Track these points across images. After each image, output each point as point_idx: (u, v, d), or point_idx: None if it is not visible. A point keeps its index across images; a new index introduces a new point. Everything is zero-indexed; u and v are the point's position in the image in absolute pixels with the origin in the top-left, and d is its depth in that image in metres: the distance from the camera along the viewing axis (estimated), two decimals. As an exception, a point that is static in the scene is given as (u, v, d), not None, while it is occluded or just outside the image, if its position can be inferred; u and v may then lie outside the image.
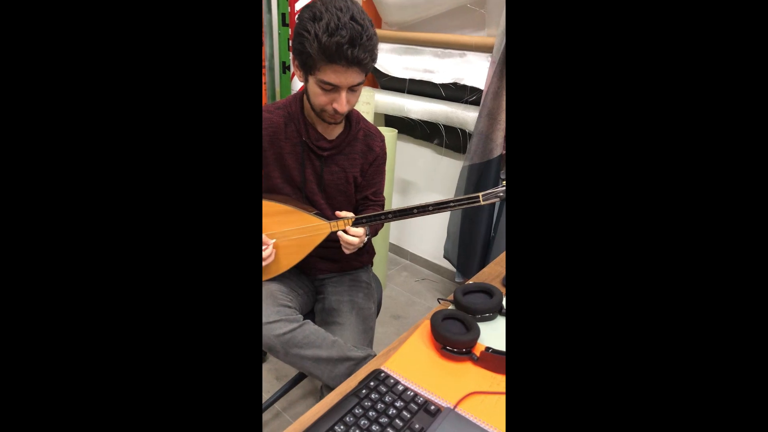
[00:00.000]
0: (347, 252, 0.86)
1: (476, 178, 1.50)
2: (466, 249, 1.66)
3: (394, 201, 2.04)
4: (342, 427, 0.50)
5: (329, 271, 1.03)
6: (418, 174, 1.95)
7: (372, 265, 1.14)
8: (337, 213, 0.85)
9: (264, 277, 0.92)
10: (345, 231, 0.84)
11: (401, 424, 0.51)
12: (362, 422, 0.51)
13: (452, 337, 0.63)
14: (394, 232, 2.14)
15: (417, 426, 0.51)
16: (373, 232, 0.97)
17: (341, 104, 0.77)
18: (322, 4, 0.73)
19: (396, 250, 2.17)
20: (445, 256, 1.78)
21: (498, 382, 0.59)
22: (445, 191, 1.85)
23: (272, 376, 1.40)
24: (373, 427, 0.50)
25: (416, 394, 0.55)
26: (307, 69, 0.76)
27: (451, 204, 0.78)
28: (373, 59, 0.76)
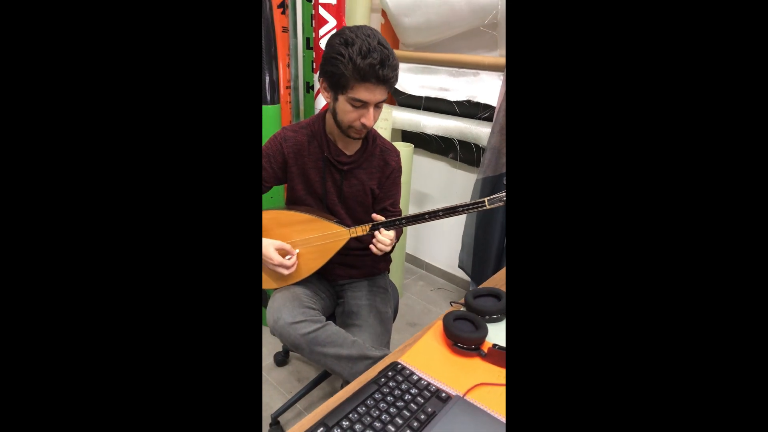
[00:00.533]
0: (379, 253, 0.92)
1: (489, 191, 1.56)
2: (480, 259, 1.71)
3: (410, 212, 2.11)
4: (363, 408, 0.57)
5: (349, 277, 1.10)
6: (433, 186, 2.02)
7: (389, 272, 1.21)
8: (374, 216, 0.92)
9: (289, 282, 1.00)
10: (378, 235, 0.90)
11: (415, 407, 0.58)
12: (381, 405, 0.58)
13: (462, 335, 0.69)
14: (411, 242, 2.21)
15: (429, 410, 0.57)
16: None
17: (369, 119, 0.86)
18: (351, 32, 0.82)
19: (412, 260, 2.24)
20: (459, 266, 1.84)
21: (503, 375, 0.65)
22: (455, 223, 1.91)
23: (294, 378, 1.47)
24: (391, 410, 0.57)
25: (429, 384, 0.62)
26: (339, 89, 0.85)
27: (460, 209, 0.85)
28: (396, 78, 0.86)
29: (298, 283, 1.01)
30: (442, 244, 2.06)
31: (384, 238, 0.90)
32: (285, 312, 0.90)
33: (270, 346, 1.62)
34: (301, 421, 0.56)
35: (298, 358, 1.57)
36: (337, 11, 1.45)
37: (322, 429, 0.53)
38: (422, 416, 0.56)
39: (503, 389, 0.63)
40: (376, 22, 1.91)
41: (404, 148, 1.64)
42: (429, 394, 0.60)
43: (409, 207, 2.03)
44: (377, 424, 0.55)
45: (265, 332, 1.70)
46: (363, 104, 0.85)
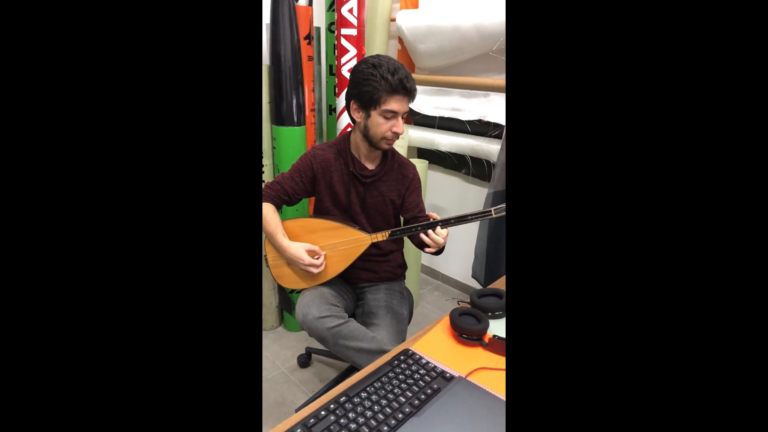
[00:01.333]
0: (434, 248, 1.00)
1: (499, 203, 1.66)
2: (491, 269, 1.80)
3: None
4: (378, 384, 0.67)
5: (369, 280, 1.22)
6: (447, 200, 2.13)
7: (405, 279, 1.32)
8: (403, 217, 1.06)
9: (316, 282, 1.12)
10: (432, 233, 0.98)
11: (423, 384, 0.68)
12: (394, 382, 0.68)
13: (466, 327, 0.79)
14: (427, 255, 2.30)
15: (435, 386, 0.67)
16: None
17: (400, 126, 1.00)
18: (374, 58, 0.98)
19: (428, 271, 2.33)
20: (473, 276, 1.92)
21: (501, 362, 0.75)
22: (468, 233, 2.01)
23: (317, 378, 1.58)
24: (402, 385, 0.67)
25: (436, 366, 0.72)
26: (372, 105, 0.99)
27: (469, 217, 0.95)
28: (416, 91, 1.01)
29: (324, 284, 1.13)
30: (457, 255, 2.16)
31: (436, 237, 0.98)
32: (313, 308, 1.02)
33: (293, 348, 1.73)
34: (328, 393, 0.67)
35: (320, 360, 1.67)
36: (357, 41, 1.61)
37: (344, 398, 0.64)
38: (428, 391, 0.66)
39: (501, 373, 0.72)
40: (393, 48, 2.07)
41: (420, 164, 1.76)
42: (435, 375, 0.70)
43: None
44: (390, 396, 0.65)
45: (289, 336, 1.82)
46: (393, 115, 0.99)
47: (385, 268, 1.21)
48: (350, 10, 1.56)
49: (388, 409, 0.62)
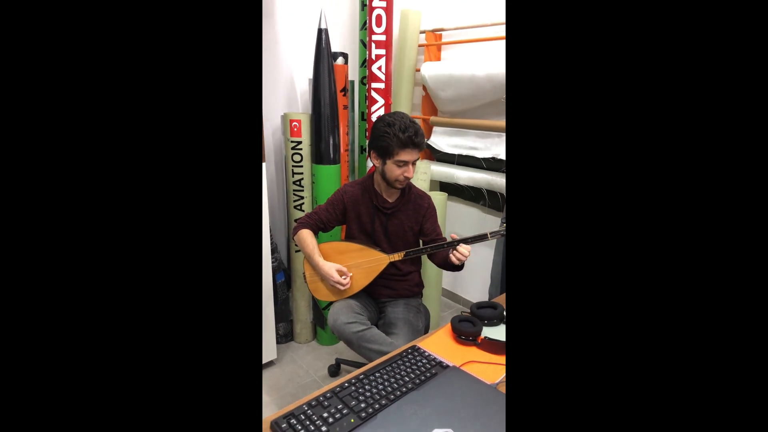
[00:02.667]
0: (457, 262, 1.22)
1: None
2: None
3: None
4: (389, 368, 0.87)
5: (389, 296, 1.42)
6: (466, 229, 2.31)
7: (422, 296, 1.51)
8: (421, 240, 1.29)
9: (344, 295, 1.34)
10: (457, 250, 1.20)
11: (424, 370, 0.87)
12: (401, 368, 0.87)
13: (464, 330, 0.98)
14: (447, 279, 2.48)
15: (433, 371, 0.86)
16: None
17: (410, 172, 1.24)
18: (390, 117, 1.23)
19: (449, 295, 2.49)
20: (489, 300, 2.08)
21: (490, 357, 0.93)
22: (489, 242, 2.18)
23: (344, 386, 1.77)
24: (408, 370, 0.87)
25: (436, 358, 0.91)
26: (387, 155, 1.23)
27: (470, 240, 1.16)
28: (425, 143, 1.24)
29: (351, 297, 1.34)
30: (475, 280, 2.32)
31: (460, 254, 1.20)
32: (342, 315, 1.24)
33: (324, 359, 1.93)
34: (347, 375, 0.87)
35: (348, 370, 1.86)
36: (385, 93, 1.89)
37: (362, 375, 0.84)
38: (428, 374, 0.85)
39: (488, 366, 0.90)
40: (418, 95, 2.34)
41: (440, 196, 1.98)
42: (435, 364, 0.89)
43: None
44: (398, 376, 0.84)
45: (321, 349, 2.03)
46: (405, 163, 1.22)
47: (403, 286, 1.42)
48: (379, 68, 1.85)
49: (395, 385, 0.82)
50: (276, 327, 1.91)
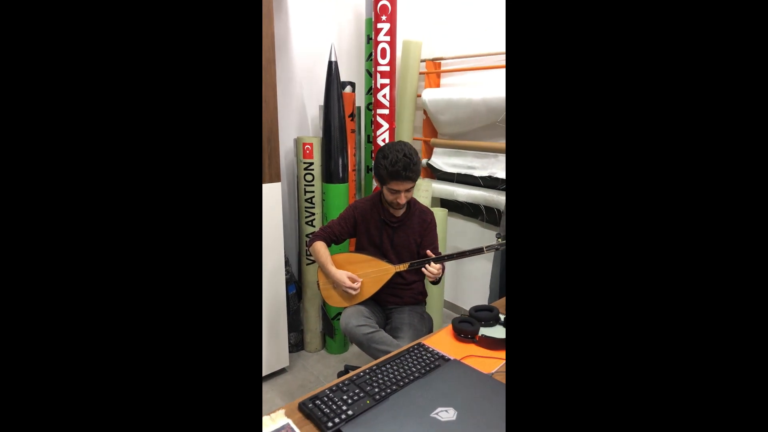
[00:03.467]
0: (432, 277, 1.38)
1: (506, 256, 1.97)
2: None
3: (447, 263, 2.53)
4: (398, 361, 1.00)
5: (395, 304, 1.55)
6: (465, 242, 2.45)
7: (426, 304, 1.64)
8: (428, 252, 1.43)
9: (355, 302, 1.47)
10: (427, 267, 1.37)
11: (428, 362, 0.99)
12: (408, 362, 1.00)
13: (463, 329, 1.11)
14: (450, 291, 2.60)
15: (435, 364, 0.99)
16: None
17: (401, 199, 1.38)
18: (388, 149, 1.37)
19: (451, 306, 2.61)
20: (489, 309, 2.19)
21: (487, 353, 1.05)
22: (488, 256, 2.31)
23: (352, 391, 1.88)
24: (413, 362, 0.99)
25: (438, 353, 1.03)
26: (382, 181, 1.39)
27: (467, 253, 1.30)
28: (418, 175, 1.38)
29: (361, 303, 1.47)
30: (475, 291, 2.44)
31: (432, 269, 1.37)
32: (353, 319, 1.37)
33: (333, 368, 2.04)
34: (363, 367, 0.99)
35: (356, 378, 1.97)
36: (389, 118, 2.06)
37: (375, 366, 0.97)
38: (431, 366, 0.98)
39: (485, 360, 1.03)
40: (419, 118, 2.51)
41: (441, 212, 2.13)
42: (437, 357, 1.02)
43: (447, 260, 2.46)
44: (405, 368, 0.97)
45: (330, 357, 2.14)
46: (396, 191, 1.37)
47: (408, 294, 1.55)
48: (384, 95, 2.02)
49: (404, 374, 0.94)
50: (288, 336, 2.03)
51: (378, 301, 1.55)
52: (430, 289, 1.89)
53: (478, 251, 1.28)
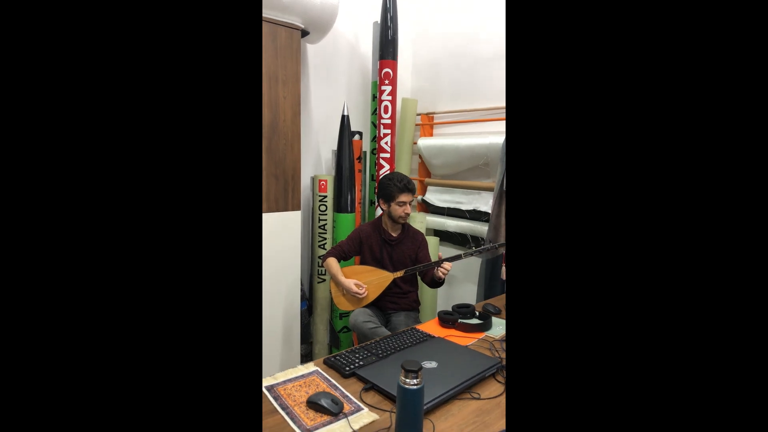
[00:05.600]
0: (442, 276, 1.71)
1: (490, 265, 2.32)
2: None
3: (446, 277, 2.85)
4: (395, 337, 1.32)
5: (393, 309, 1.88)
6: (455, 267, 2.79)
7: (420, 311, 1.96)
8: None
9: (361, 305, 1.81)
10: (442, 266, 1.69)
11: (419, 338, 1.32)
12: (401, 339, 1.33)
13: (447, 318, 1.44)
14: (441, 302, 2.89)
15: (424, 338, 1.32)
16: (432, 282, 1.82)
17: (408, 209, 1.77)
18: (389, 174, 1.79)
19: (444, 327, 2.90)
20: (476, 326, 2.50)
21: (463, 335, 1.38)
22: (472, 275, 2.65)
23: (356, 393, 2.15)
24: (407, 338, 1.32)
25: (426, 333, 1.37)
26: (390, 199, 1.78)
27: (452, 258, 1.66)
28: (415, 189, 1.78)
29: (365, 306, 1.81)
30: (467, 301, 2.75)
31: (446, 265, 1.70)
32: (360, 317, 1.70)
33: (339, 374, 2.31)
34: (357, 345, 1.32)
35: (359, 383, 2.24)
36: (390, 161, 2.48)
37: (373, 342, 1.30)
38: (420, 340, 1.31)
39: (462, 338, 1.35)
40: (415, 162, 2.95)
41: (433, 240, 2.49)
42: (426, 336, 1.35)
43: (440, 284, 2.78)
44: (401, 341, 1.30)
45: (336, 367, 2.41)
46: (404, 203, 1.76)
47: (404, 301, 1.88)
48: (386, 143, 2.46)
49: (399, 344, 1.27)
50: (300, 348, 2.32)
51: (380, 306, 1.88)
52: (424, 299, 2.21)
53: (457, 257, 1.64)
